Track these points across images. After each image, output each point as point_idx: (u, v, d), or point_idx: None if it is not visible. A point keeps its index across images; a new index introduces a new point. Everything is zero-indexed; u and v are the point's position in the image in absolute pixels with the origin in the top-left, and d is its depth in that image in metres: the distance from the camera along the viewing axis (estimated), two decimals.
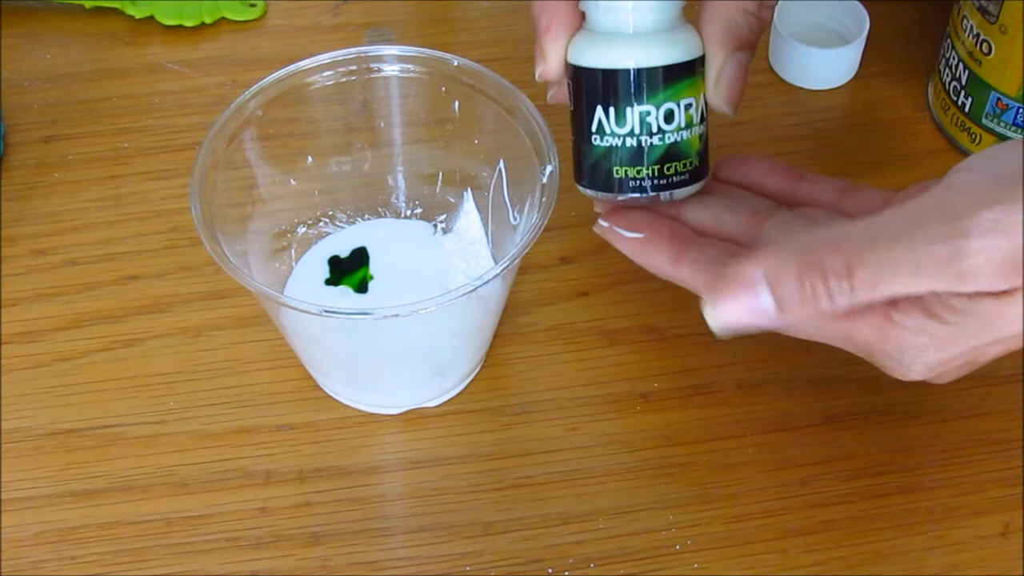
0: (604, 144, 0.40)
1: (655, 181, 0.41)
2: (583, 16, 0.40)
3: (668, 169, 0.40)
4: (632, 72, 0.39)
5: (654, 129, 0.40)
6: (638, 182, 0.41)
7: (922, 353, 0.37)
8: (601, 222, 0.43)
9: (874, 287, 0.34)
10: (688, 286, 0.41)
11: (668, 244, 0.41)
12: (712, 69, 0.41)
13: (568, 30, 0.41)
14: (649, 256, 0.42)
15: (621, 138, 0.40)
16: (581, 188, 0.42)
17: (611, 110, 0.40)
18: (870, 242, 0.35)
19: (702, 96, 0.41)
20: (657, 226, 0.42)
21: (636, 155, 0.40)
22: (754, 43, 0.41)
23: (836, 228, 0.36)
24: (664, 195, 0.41)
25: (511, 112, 0.47)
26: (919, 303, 0.36)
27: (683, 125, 0.40)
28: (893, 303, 0.36)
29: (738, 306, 0.36)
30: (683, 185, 0.41)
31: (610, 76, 0.39)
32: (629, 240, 0.42)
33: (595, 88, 0.40)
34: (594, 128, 0.40)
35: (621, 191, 0.41)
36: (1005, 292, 0.34)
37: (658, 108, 0.40)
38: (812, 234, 0.36)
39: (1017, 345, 0.37)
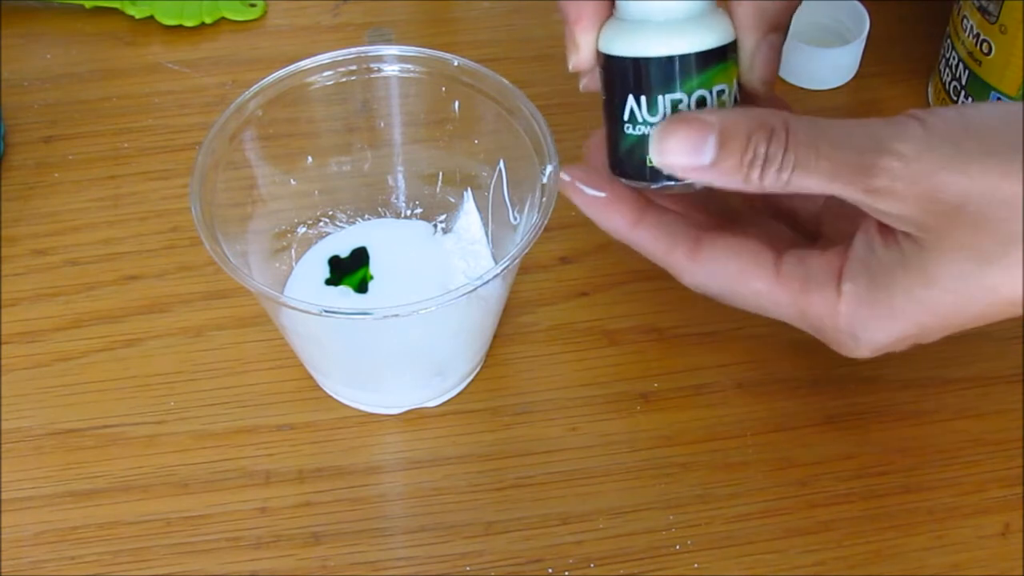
0: (636, 133, 0.40)
1: None
2: (612, 4, 0.40)
3: None
4: (663, 60, 0.39)
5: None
6: None
7: (869, 326, 0.38)
8: (563, 176, 0.42)
9: (794, 169, 0.37)
10: (646, 252, 0.41)
11: (629, 207, 0.41)
12: (745, 52, 0.41)
13: (598, 19, 0.41)
14: (610, 216, 0.42)
15: (653, 127, 0.40)
16: (614, 176, 0.42)
17: (643, 99, 0.39)
18: (813, 132, 0.37)
19: (735, 81, 0.40)
20: (620, 188, 0.41)
21: None
22: (786, 24, 0.42)
23: (790, 115, 0.38)
24: (699, 183, 0.40)
25: (511, 112, 0.47)
26: (864, 268, 0.38)
27: None
28: (840, 274, 0.38)
29: (683, 141, 0.38)
30: None
31: (641, 64, 0.39)
32: (590, 198, 0.42)
33: (626, 77, 0.39)
34: (626, 117, 0.40)
35: (655, 180, 0.40)
36: (922, 239, 0.36)
37: (690, 96, 0.39)
38: (765, 110, 0.38)
39: (953, 328, 0.38)
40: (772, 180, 0.37)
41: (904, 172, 0.35)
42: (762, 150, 0.37)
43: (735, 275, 0.40)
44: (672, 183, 0.40)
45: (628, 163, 0.41)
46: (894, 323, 0.38)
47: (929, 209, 0.35)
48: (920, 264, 0.36)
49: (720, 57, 0.39)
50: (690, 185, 0.40)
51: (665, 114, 0.39)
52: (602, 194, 0.42)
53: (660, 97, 0.39)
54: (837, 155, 0.36)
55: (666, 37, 0.39)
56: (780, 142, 0.37)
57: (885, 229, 0.38)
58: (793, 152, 0.37)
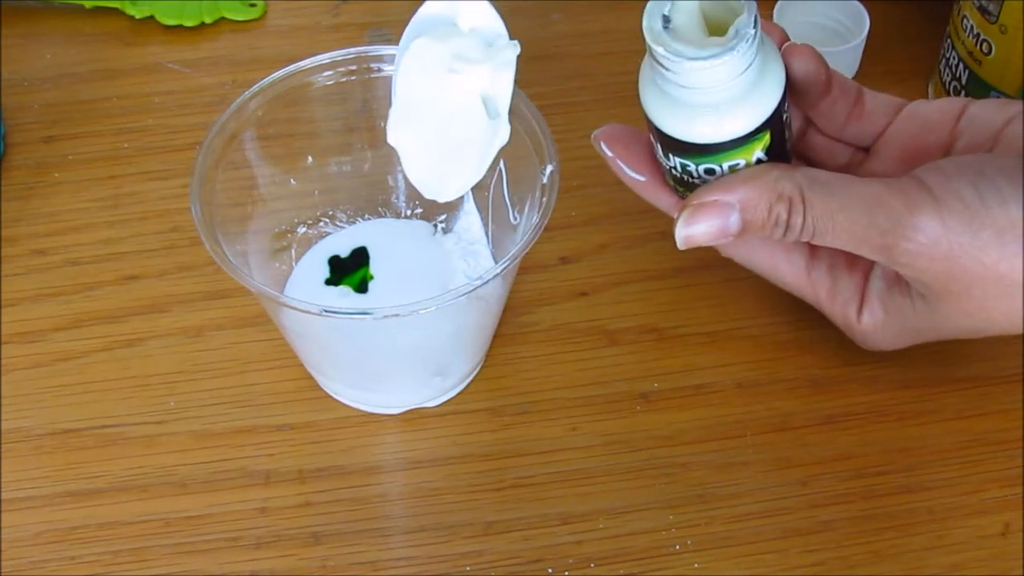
0: (673, 175, 0.43)
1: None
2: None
3: None
4: (702, 144, 0.40)
5: (695, 176, 0.42)
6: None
7: (880, 342, 0.45)
8: (605, 149, 0.45)
9: (814, 235, 0.40)
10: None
11: (668, 189, 0.44)
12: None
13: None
14: (649, 195, 0.45)
15: (668, 169, 0.43)
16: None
17: (678, 160, 0.41)
18: (829, 204, 0.40)
19: (755, 153, 0.41)
20: (658, 172, 0.44)
21: (685, 184, 0.43)
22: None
23: (805, 179, 0.40)
24: None
25: (511, 112, 0.47)
26: (880, 304, 0.43)
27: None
28: (861, 300, 0.44)
29: (709, 227, 0.41)
30: None
31: (679, 142, 0.41)
32: (631, 178, 0.45)
33: (666, 139, 0.41)
34: (669, 165, 0.42)
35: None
36: (932, 301, 0.41)
37: (698, 166, 0.41)
38: (793, 172, 0.41)
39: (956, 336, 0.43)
40: (794, 239, 0.41)
41: (923, 252, 0.39)
42: (783, 219, 0.40)
43: (768, 268, 0.45)
44: None
45: (668, 180, 0.44)
46: (902, 342, 0.45)
47: (944, 284, 0.40)
48: (929, 316, 0.42)
49: (759, 131, 0.40)
50: None
51: (674, 166, 0.42)
52: (642, 178, 0.44)
53: (694, 164, 0.41)
54: (856, 230, 0.40)
55: (709, 123, 0.40)
56: (799, 212, 0.40)
57: (900, 278, 0.42)
58: (811, 222, 0.40)
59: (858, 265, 0.44)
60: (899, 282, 0.43)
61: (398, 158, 0.52)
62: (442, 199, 0.45)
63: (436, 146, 0.44)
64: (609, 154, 0.44)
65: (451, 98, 0.43)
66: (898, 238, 0.39)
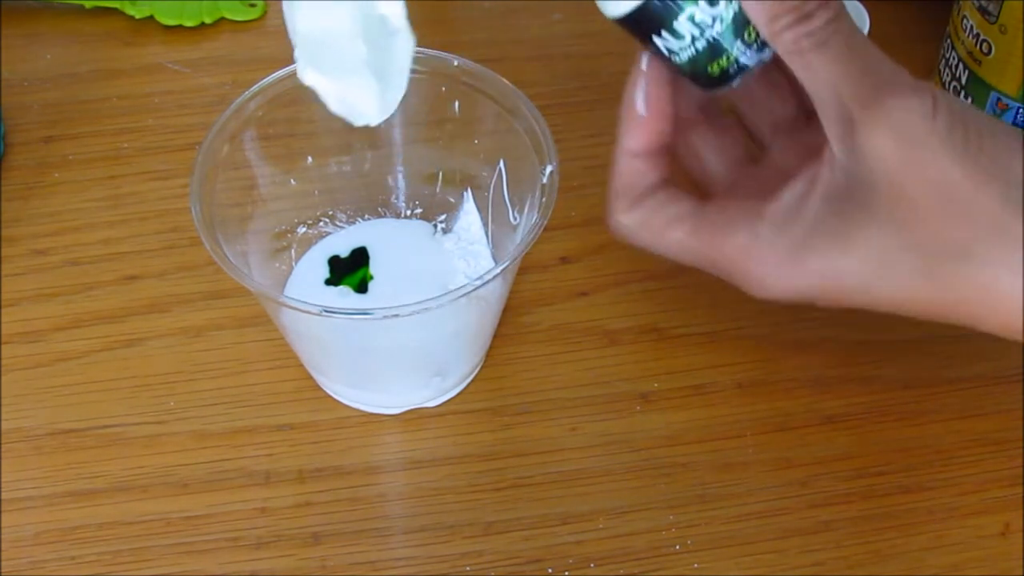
0: (686, 58, 0.39)
1: (746, 51, 0.39)
2: None
3: (748, 36, 0.39)
4: (625, 19, 0.38)
5: (709, 20, 0.38)
6: (736, 65, 0.39)
7: (773, 272, 0.37)
8: (642, 65, 0.40)
9: (816, 49, 0.36)
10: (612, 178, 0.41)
11: (646, 129, 0.40)
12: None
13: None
14: (626, 128, 0.41)
15: (691, 46, 0.39)
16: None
17: (665, 32, 0.39)
18: (854, 32, 0.36)
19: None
20: (656, 116, 0.41)
21: (715, 48, 0.39)
22: None
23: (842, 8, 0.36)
24: (766, 55, 0.39)
25: (511, 112, 0.47)
26: (786, 219, 0.37)
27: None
28: (760, 215, 0.37)
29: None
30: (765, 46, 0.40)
31: (639, 13, 0.38)
32: (633, 99, 0.40)
33: (641, 24, 0.39)
34: (666, 52, 0.39)
35: (728, 80, 0.40)
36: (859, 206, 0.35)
37: (698, 3, 0.38)
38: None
39: (855, 305, 0.37)
40: (790, 39, 0.36)
41: (904, 130, 0.35)
42: (810, 7, 0.36)
43: (660, 241, 0.40)
44: (741, 75, 0.39)
45: (703, 83, 0.40)
46: (799, 278, 0.37)
47: (908, 177, 0.35)
48: (845, 231, 0.36)
49: None
50: (761, 60, 0.39)
51: (691, 34, 0.39)
52: (642, 112, 0.40)
53: (675, 23, 0.38)
54: (855, 67, 0.35)
55: None
56: (830, 8, 0.36)
57: (825, 188, 0.37)
58: (834, 30, 0.36)
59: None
60: (823, 194, 0.37)
61: (398, 158, 0.52)
62: (374, 122, 0.43)
63: (349, 73, 0.44)
64: (643, 68, 0.40)
65: (349, 26, 0.43)
66: (891, 108, 0.35)
